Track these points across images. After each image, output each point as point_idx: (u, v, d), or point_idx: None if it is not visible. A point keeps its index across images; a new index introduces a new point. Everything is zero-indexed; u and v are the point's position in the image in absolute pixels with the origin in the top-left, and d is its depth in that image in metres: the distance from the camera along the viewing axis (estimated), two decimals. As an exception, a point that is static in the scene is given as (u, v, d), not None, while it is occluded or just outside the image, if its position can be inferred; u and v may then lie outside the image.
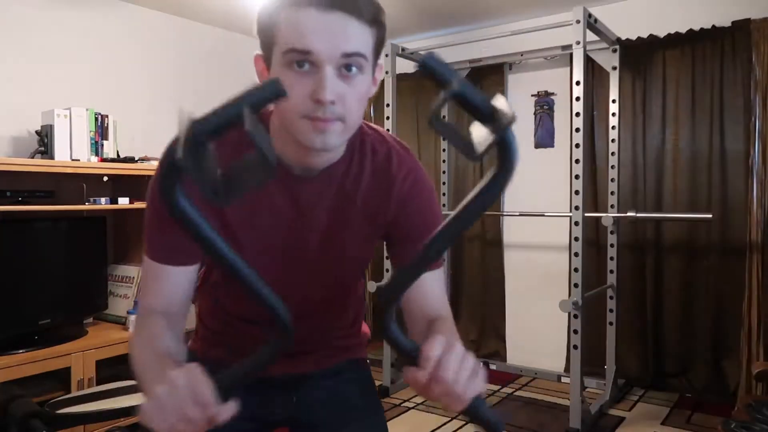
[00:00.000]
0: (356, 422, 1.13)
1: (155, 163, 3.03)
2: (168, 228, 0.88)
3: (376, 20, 0.81)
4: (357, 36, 0.79)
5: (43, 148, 2.73)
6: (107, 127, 2.92)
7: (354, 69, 0.80)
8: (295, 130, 0.82)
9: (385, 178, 0.96)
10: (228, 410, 0.66)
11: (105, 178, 2.93)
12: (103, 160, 2.88)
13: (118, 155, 2.99)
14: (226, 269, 0.62)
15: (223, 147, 0.77)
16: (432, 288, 0.97)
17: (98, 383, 2.63)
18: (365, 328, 1.25)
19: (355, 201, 0.96)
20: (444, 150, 4.03)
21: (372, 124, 1.01)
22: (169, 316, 0.90)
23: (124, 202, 2.86)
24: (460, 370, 0.69)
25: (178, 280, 0.92)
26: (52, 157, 2.71)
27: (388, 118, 3.48)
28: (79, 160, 2.78)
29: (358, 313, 1.20)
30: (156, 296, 0.92)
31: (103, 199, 2.79)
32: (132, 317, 2.88)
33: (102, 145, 2.89)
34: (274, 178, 0.84)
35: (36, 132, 2.76)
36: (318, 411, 1.13)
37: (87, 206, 2.74)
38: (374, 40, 0.82)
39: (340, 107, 0.80)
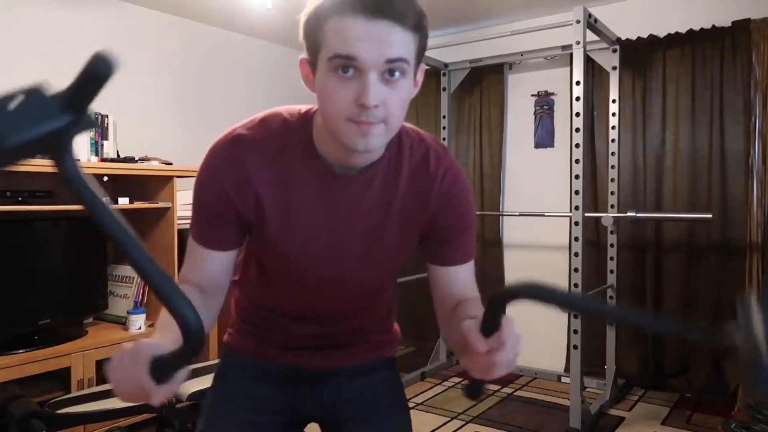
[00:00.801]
0: (384, 423, 1.16)
1: (155, 163, 3.03)
2: (205, 216, 0.96)
3: (419, 26, 0.83)
4: (400, 42, 0.80)
5: (43, 148, 2.73)
6: (107, 127, 2.92)
7: (397, 74, 0.82)
8: (339, 133, 0.85)
9: (424, 177, 0.98)
10: (160, 393, 0.67)
11: (105, 178, 2.93)
12: (103, 160, 2.88)
13: (118, 155, 2.99)
14: (120, 248, 0.61)
15: (268, 147, 0.92)
16: (464, 278, 1.05)
17: (98, 383, 2.63)
18: (396, 326, 1.27)
19: (394, 200, 0.98)
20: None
21: (410, 125, 1.02)
22: (202, 291, 0.95)
23: (124, 202, 2.86)
24: (514, 353, 0.79)
25: (212, 263, 0.98)
26: (52, 157, 2.70)
27: (388, 118, 3.48)
28: (79, 160, 2.76)
29: (390, 311, 1.22)
30: (192, 272, 0.99)
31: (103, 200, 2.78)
32: (132, 317, 2.88)
33: (102, 145, 2.89)
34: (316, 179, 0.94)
35: (36, 132, 2.76)
36: (348, 410, 1.15)
37: (87, 206, 2.74)
38: (417, 45, 0.84)
39: (383, 111, 0.82)
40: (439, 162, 0.99)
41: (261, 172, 0.93)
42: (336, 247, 0.99)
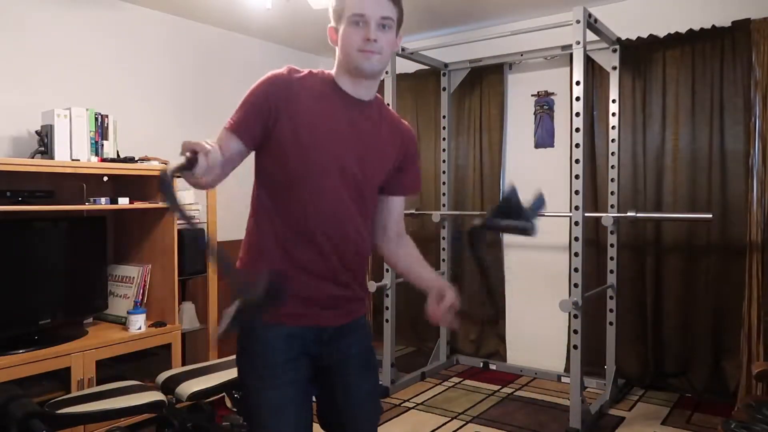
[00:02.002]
0: (375, 369, 1.55)
1: (155, 163, 3.03)
2: (247, 110, 1.36)
3: (398, 2, 1.37)
4: (388, 8, 1.34)
5: (43, 148, 2.73)
6: (107, 127, 2.92)
7: (386, 26, 1.34)
8: (352, 59, 1.34)
9: (398, 128, 1.50)
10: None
11: (105, 178, 2.93)
12: (103, 160, 2.88)
13: (118, 155, 2.99)
14: None
15: (310, 80, 1.38)
16: (401, 210, 1.56)
17: (98, 383, 2.63)
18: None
19: (381, 131, 1.44)
20: (444, 150, 4.03)
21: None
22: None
23: (124, 202, 2.86)
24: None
25: (230, 144, 1.34)
26: (52, 157, 2.70)
27: (388, 118, 3.48)
28: (79, 160, 2.77)
29: (367, 260, 1.52)
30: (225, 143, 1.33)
31: (103, 199, 2.79)
32: (132, 317, 2.88)
33: (102, 145, 2.89)
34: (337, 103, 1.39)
35: (36, 132, 2.76)
36: (354, 362, 1.47)
37: (87, 206, 2.74)
38: (397, 13, 1.37)
39: (379, 45, 1.33)
40: (405, 124, 1.54)
41: (292, 93, 1.34)
42: (348, 145, 1.38)
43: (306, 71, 1.39)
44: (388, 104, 3.53)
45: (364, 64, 1.33)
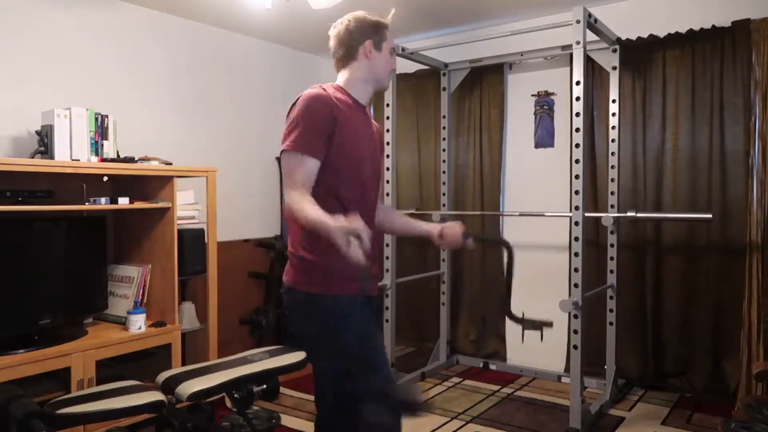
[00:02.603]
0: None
1: (155, 163, 3.03)
2: (313, 132, 1.64)
3: None
4: None
5: (43, 148, 2.73)
6: (107, 127, 2.92)
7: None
8: (385, 79, 1.82)
9: (374, 123, 1.90)
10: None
11: (105, 178, 2.93)
12: (103, 160, 2.88)
13: (118, 155, 2.99)
14: None
15: (336, 96, 1.71)
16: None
17: (98, 383, 2.63)
18: None
19: (371, 126, 1.87)
20: (444, 150, 4.03)
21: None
22: (308, 191, 1.64)
23: (124, 202, 2.86)
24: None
25: (313, 168, 1.65)
26: (52, 157, 2.71)
27: (388, 118, 3.48)
28: (79, 160, 2.78)
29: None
30: (301, 177, 1.63)
31: (103, 199, 2.79)
32: (132, 317, 2.88)
33: (102, 145, 2.89)
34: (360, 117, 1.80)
35: (36, 132, 2.76)
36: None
37: (87, 206, 2.74)
38: None
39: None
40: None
41: (338, 108, 1.70)
42: (369, 144, 1.82)
43: (328, 90, 1.73)
44: (388, 104, 3.55)
45: (388, 86, 1.92)
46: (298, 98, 1.71)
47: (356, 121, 1.75)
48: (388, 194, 3.49)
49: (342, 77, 1.80)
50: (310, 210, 1.53)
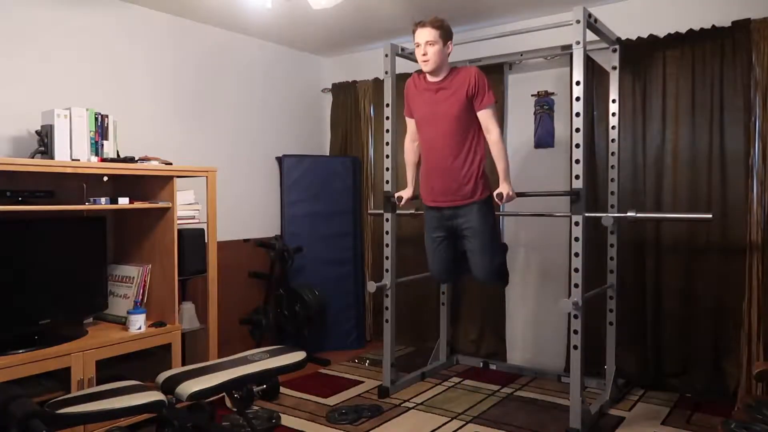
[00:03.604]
0: (482, 238, 2.98)
1: (155, 163, 3.03)
2: (406, 105, 3.13)
3: (437, 28, 2.84)
4: (427, 34, 2.84)
5: (43, 148, 2.73)
6: (107, 127, 2.92)
7: (428, 45, 2.84)
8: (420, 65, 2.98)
9: (457, 78, 2.90)
10: None
11: (105, 178, 2.93)
12: (103, 160, 2.88)
13: (118, 155, 2.99)
14: None
15: (417, 79, 3.05)
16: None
17: (98, 383, 2.64)
18: (474, 183, 2.94)
19: (448, 92, 2.90)
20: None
21: (461, 66, 3.04)
22: (414, 141, 3.19)
23: (124, 202, 2.86)
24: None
25: (413, 126, 3.13)
26: (52, 157, 2.71)
27: (387, 117, 3.48)
28: (79, 160, 2.78)
29: (469, 171, 2.92)
30: (410, 132, 3.18)
31: (103, 199, 2.79)
32: (132, 317, 2.88)
33: (102, 145, 2.89)
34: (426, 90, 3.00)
35: (36, 132, 2.76)
36: (467, 232, 2.98)
37: (87, 206, 2.75)
38: (438, 33, 2.84)
39: (427, 56, 2.86)
40: (461, 70, 2.93)
41: (417, 87, 3.03)
42: (436, 110, 2.92)
43: (413, 77, 3.07)
44: (388, 104, 3.55)
45: (423, 67, 2.90)
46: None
47: (426, 93, 2.98)
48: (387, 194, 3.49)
49: None
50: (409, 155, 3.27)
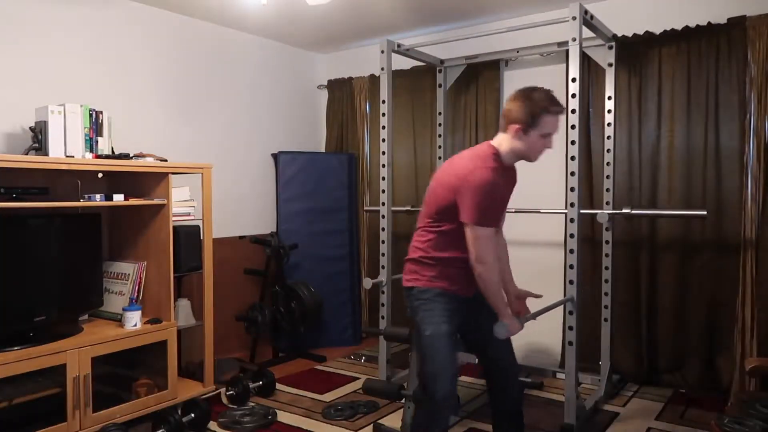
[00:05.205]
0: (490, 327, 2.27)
1: (150, 160, 3.02)
2: (492, 208, 2.08)
3: None
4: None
5: (37, 145, 2.72)
6: (102, 124, 2.91)
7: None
8: (532, 158, 2.14)
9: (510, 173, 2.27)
10: None
11: (100, 175, 2.92)
12: (98, 156, 2.87)
13: (113, 152, 2.98)
14: None
15: (498, 170, 2.08)
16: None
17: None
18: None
19: (511, 182, 2.30)
20: (440, 147, 4.02)
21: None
22: (498, 259, 2.23)
23: (119, 198, 2.85)
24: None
25: (494, 238, 2.14)
26: (46, 154, 2.69)
27: (384, 114, 3.47)
28: (73, 156, 2.76)
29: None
30: (490, 249, 2.06)
31: (98, 196, 2.78)
32: (127, 314, 2.87)
33: (97, 141, 2.88)
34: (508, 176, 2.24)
35: (30, 128, 2.75)
36: (484, 319, 2.29)
37: (82, 203, 2.74)
38: None
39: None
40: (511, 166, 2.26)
41: (500, 178, 2.11)
42: (505, 202, 2.31)
43: (491, 163, 2.07)
44: (384, 101, 3.55)
45: (537, 157, 2.16)
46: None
47: (504, 183, 2.25)
48: (383, 191, 3.48)
49: (498, 138, 2.16)
50: (498, 286, 2.22)
